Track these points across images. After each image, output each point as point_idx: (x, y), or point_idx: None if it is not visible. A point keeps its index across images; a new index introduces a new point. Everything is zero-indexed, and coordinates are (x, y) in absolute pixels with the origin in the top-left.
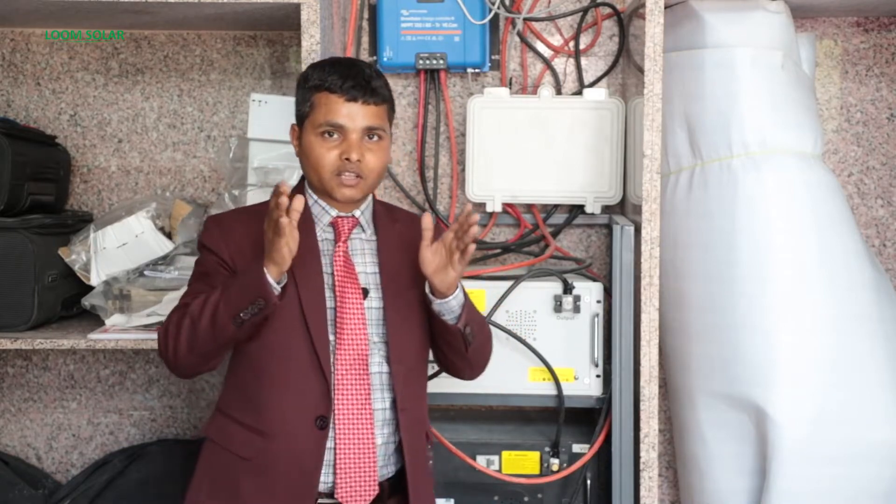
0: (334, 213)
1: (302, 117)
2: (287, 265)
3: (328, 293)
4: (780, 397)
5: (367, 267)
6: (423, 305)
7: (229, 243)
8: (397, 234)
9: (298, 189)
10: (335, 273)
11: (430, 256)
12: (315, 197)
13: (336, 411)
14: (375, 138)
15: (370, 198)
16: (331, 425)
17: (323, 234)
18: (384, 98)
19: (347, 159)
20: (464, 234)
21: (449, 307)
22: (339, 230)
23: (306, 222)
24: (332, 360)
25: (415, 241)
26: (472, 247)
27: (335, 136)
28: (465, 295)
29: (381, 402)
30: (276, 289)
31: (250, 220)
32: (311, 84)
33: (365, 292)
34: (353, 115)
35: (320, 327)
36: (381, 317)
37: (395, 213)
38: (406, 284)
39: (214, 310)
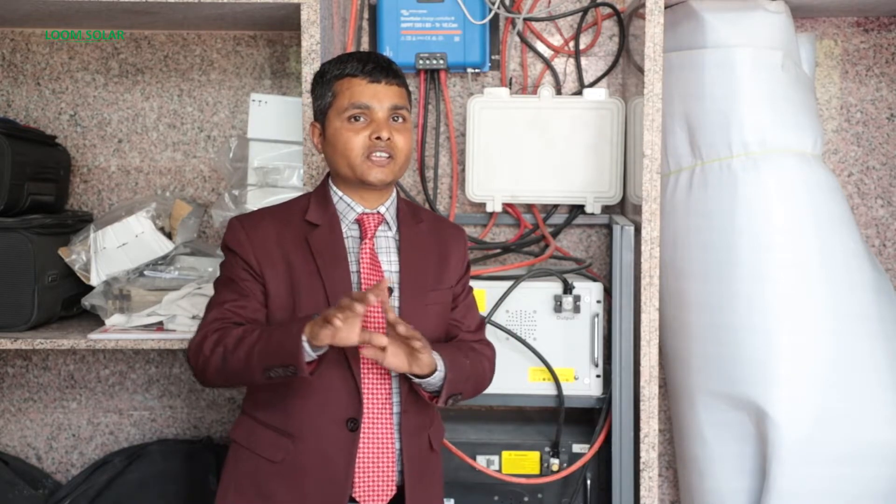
0: (360, 209)
1: (324, 109)
2: (322, 344)
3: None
4: (780, 397)
5: (391, 265)
6: (439, 308)
7: (254, 244)
8: (420, 233)
9: (321, 188)
10: (361, 271)
11: (396, 361)
12: (340, 193)
13: (363, 412)
14: (400, 119)
15: (394, 194)
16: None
17: (348, 231)
18: (404, 81)
19: (378, 138)
20: (393, 327)
21: (428, 383)
22: (365, 227)
23: (331, 220)
24: (360, 360)
25: (437, 243)
26: (406, 331)
27: (362, 119)
28: (453, 366)
29: (396, 405)
30: (311, 356)
31: (275, 219)
32: (330, 76)
33: (390, 290)
34: (379, 94)
35: None
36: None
37: (420, 212)
38: (424, 285)
39: (248, 353)
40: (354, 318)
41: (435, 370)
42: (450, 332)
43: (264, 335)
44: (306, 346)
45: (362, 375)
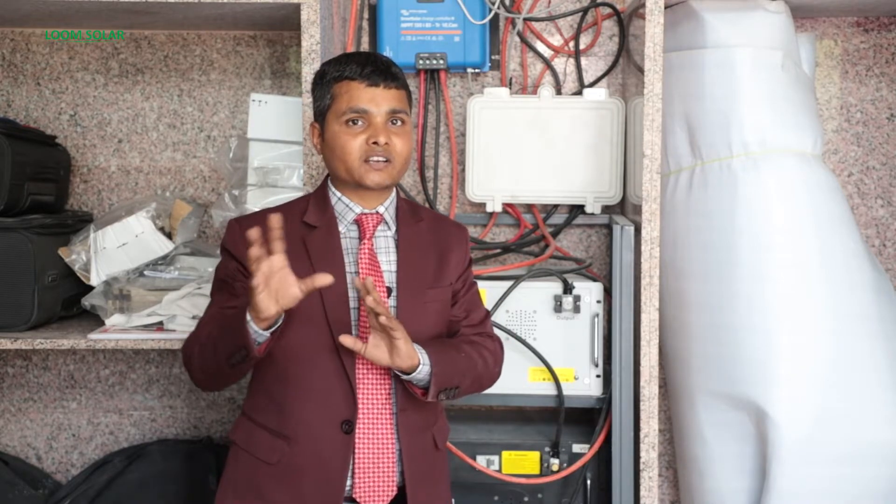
0: (358, 209)
1: (323, 111)
2: (269, 314)
3: (352, 293)
4: (780, 397)
5: (390, 265)
6: (438, 306)
7: (249, 245)
8: (419, 232)
9: (321, 190)
10: (360, 271)
11: (377, 352)
12: (339, 194)
13: (359, 414)
14: (399, 123)
15: (394, 193)
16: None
17: (347, 231)
18: (403, 83)
19: (375, 143)
20: (375, 316)
21: (416, 379)
22: (364, 227)
23: (329, 221)
24: (355, 362)
25: (437, 241)
26: (386, 320)
27: (360, 122)
28: (439, 360)
29: (395, 405)
30: (263, 335)
31: None
32: (329, 77)
33: (389, 290)
34: (376, 98)
35: (344, 329)
36: (395, 315)
37: (420, 211)
38: (422, 284)
39: (215, 346)
40: (279, 271)
41: (418, 364)
42: (451, 329)
43: (222, 324)
44: (252, 325)
45: (359, 377)
